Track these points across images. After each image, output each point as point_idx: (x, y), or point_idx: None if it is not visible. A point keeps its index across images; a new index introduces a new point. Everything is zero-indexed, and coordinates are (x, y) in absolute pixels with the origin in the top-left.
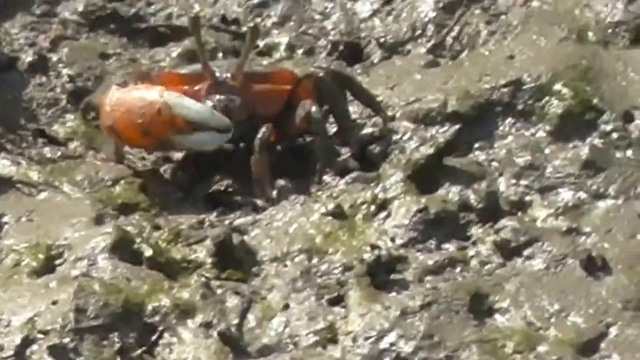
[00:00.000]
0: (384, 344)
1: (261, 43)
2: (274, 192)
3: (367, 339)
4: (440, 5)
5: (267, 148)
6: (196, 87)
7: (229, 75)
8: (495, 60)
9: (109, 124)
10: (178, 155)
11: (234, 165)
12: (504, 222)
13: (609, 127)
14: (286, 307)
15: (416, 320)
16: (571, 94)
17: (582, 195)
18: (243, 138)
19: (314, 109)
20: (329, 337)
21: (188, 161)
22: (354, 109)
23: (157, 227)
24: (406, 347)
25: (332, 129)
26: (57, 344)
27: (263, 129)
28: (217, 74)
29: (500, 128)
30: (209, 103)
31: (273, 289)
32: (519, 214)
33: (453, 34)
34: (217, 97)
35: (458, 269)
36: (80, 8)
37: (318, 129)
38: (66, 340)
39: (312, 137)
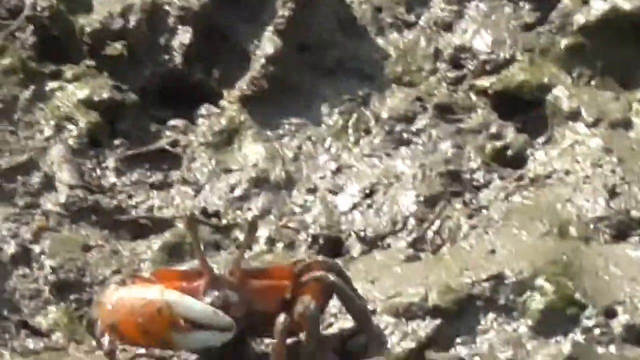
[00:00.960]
0: None
1: (241, 236)
2: None
3: None
4: (421, 199)
5: (286, 335)
6: (194, 284)
7: (226, 271)
8: (476, 254)
9: (109, 323)
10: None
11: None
12: None
13: (591, 323)
14: None
15: None
16: (553, 289)
17: None
18: (243, 334)
19: (312, 306)
20: None
21: None
22: (333, 302)
23: None
24: None
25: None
26: None
27: (282, 315)
28: (215, 271)
29: (482, 323)
30: (208, 300)
31: None
32: None
33: (434, 227)
34: (216, 293)
35: None
36: (62, 199)
37: (311, 327)
38: None
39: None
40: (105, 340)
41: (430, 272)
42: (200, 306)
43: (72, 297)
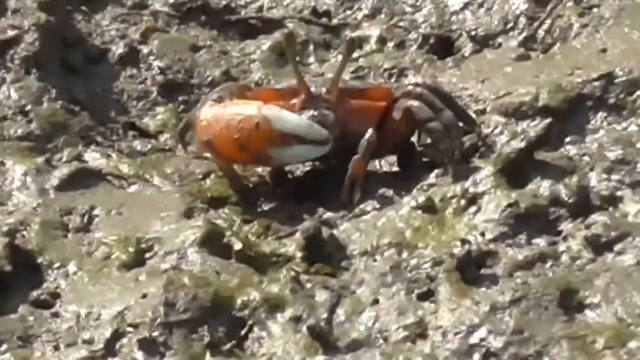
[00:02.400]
0: (473, 339)
1: (352, 35)
2: (358, 195)
3: (456, 334)
4: None
5: (371, 151)
6: (290, 102)
7: (323, 90)
8: (587, 53)
9: (205, 140)
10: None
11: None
12: (594, 217)
13: None
14: (376, 301)
15: (506, 315)
16: None
17: None
18: (335, 156)
19: (411, 102)
20: (419, 332)
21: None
22: None
23: (246, 221)
24: (496, 343)
25: None
26: (146, 338)
27: (370, 131)
28: (312, 89)
29: (592, 122)
30: (304, 117)
31: (362, 283)
32: (610, 209)
33: (545, 26)
34: (311, 112)
35: (548, 264)
36: (171, 0)
37: (423, 117)
38: (155, 333)
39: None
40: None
41: (540, 71)
42: (298, 119)
43: (180, 98)
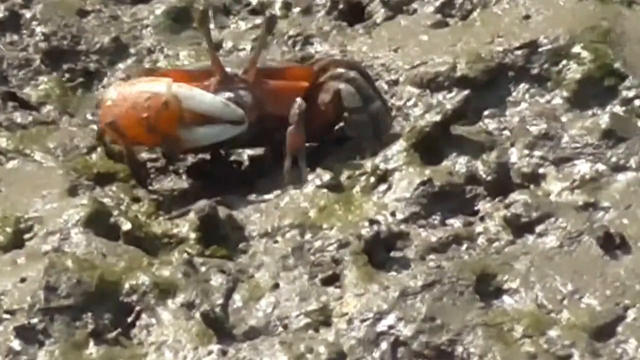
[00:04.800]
0: (381, 326)
1: (254, 0)
2: (306, 172)
3: (363, 321)
4: None
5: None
6: (205, 83)
7: (240, 70)
8: (509, 20)
9: (109, 121)
10: None
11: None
12: (514, 196)
13: (631, 94)
14: (275, 286)
15: (417, 301)
16: (591, 58)
17: (601, 167)
18: (251, 142)
19: (342, 86)
20: (322, 319)
21: None
22: None
23: (136, 199)
24: (405, 331)
25: None
26: (24, 325)
27: (297, 101)
28: (228, 70)
29: (513, 94)
30: (217, 96)
31: (261, 267)
32: (532, 187)
33: None
34: (227, 94)
35: (464, 247)
36: None
37: (351, 106)
38: (34, 320)
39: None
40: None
41: (459, 39)
42: (210, 98)
43: (65, 66)
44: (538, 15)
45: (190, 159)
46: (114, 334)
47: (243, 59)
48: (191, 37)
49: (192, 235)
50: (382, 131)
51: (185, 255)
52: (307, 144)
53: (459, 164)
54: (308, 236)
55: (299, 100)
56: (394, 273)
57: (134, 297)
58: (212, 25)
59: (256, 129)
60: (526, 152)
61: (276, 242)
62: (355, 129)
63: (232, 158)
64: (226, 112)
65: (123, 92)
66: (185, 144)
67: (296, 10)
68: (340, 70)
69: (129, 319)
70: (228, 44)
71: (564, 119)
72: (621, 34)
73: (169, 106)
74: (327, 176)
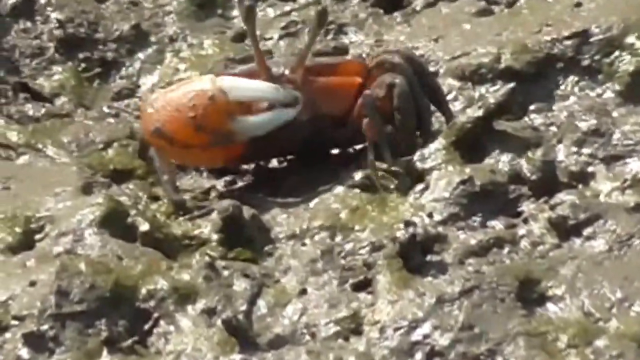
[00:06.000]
0: (416, 335)
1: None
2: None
3: (396, 329)
4: None
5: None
6: None
7: (287, 70)
8: (558, 8)
9: (154, 128)
10: None
11: None
12: (561, 196)
13: None
14: (303, 292)
15: (454, 309)
16: None
17: None
18: (305, 144)
19: (398, 80)
20: (352, 327)
21: None
22: None
23: (155, 198)
24: (442, 340)
25: None
26: (33, 332)
27: (366, 92)
28: (274, 69)
29: (561, 87)
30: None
31: (288, 271)
32: (579, 187)
33: None
34: None
35: (505, 250)
36: None
37: (400, 105)
38: (44, 327)
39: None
40: (153, 155)
41: (504, 28)
42: (257, 83)
43: (81, 55)
44: (590, 3)
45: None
46: (129, 342)
47: (290, 58)
48: (216, 24)
49: (215, 237)
50: (425, 131)
51: (206, 258)
52: (360, 145)
53: (501, 162)
54: (339, 238)
55: (367, 94)
56: (430, 278)
57: (152, 303)
58: (237, 12)
59: (310, 129)
60: (574, 149)
61: (304, 244)
62: (400, 127)
63: None
64: (277, 94)
65: (164, 96)
66: (240, 136)
67: None
68: (394, 61)
69: (146, 326)
70: None
71: (615, 114)
72: None
73: (215, 100)
74: (359, 175)
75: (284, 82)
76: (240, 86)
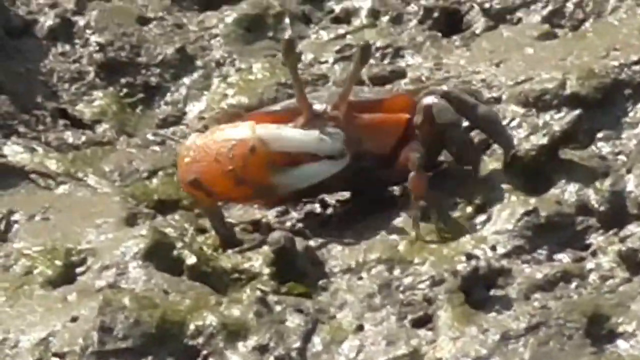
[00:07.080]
0: None
1: (337, 7)
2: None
3: None
4: None
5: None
6: (289, 126)
7: (329, 106)
8: (625, 31)
9: (191, 179)
10: None
11: None
12: (631, 228)
13: None
14: (360, 328)
15: (520, 346)
16: None
17: None
18: (347, 183)
19: (434, 100)
20: None
21: None
22: None
23: (201, 230)
24: None
25: None
26: None
27: (411, 144)
28: (315, 106)
29: (630, 114)
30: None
31: (344, 306)
32: None
33: None
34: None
35: (573, 285)
36: None
37: (446, 119)
38: None
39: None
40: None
41: (569, 52)
42: (300, 134)
43: (123, 80)
44: None
45: None
46: None
47: (333, 93)
48: (266, 47)
49: (266, 271)
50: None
51: (257, 293)
52: None
53: (568, 192)
54: (397, 272)
55: (414, 144)
56: (493, 314)
57: (200, 340)
58: (288, 34)
59: (353, 168)
60: None
61: (360, 278)
62: (454, 145)
63: None
64: (322, 146)
65: (202, 144)
66: (282, 189)
67: (385, 18)
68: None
69: None
70: (308, 57)
71: None
72: None
73: (256, 152)
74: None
75: (325, 120)
76: (282, 136)
